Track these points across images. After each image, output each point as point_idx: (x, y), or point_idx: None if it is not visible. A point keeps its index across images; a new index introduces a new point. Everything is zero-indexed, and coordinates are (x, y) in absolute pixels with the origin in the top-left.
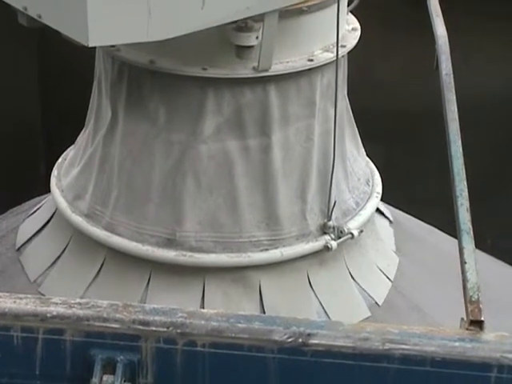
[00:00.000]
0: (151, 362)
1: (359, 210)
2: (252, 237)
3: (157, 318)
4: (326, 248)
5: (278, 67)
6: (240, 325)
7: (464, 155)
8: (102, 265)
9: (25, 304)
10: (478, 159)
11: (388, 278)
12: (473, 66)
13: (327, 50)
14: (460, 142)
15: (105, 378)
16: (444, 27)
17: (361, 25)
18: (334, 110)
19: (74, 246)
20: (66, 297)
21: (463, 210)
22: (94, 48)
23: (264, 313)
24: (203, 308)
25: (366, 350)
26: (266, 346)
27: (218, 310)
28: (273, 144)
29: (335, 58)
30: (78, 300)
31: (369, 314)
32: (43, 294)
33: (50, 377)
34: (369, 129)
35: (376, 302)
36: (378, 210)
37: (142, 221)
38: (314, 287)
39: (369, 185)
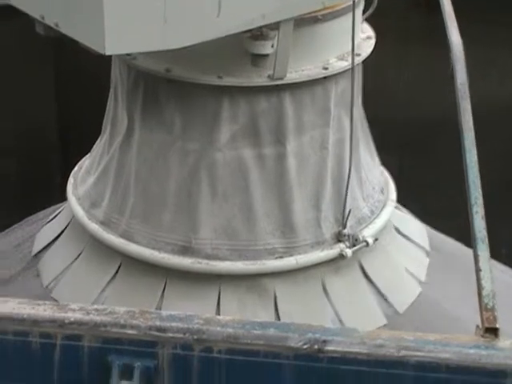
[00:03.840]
0: (168, 367)
1: (374, 218)
2: (267, 244)
3: (173, 324)
4: (341, 256)
5: (292, 75)
6: (256, 331)
7: (479, 164)
8: (116, 272)
9: (43, 310)
10: (494, 168)
11: (419, 280)
12: (487, 75)
13: (342, 59)
14: (475, 150)
15: (122, 383)
16: (459, 36)
17: (375, 33)
18: (348, 118)
19: (88, 253)
20: (77, 303)
21: (478, 218)
22: (110, 56)
23: (279, 320)
24: (219, 315)
25: (381, 357)
26: (281, 353)
27: (233, 317)
28: (287, 152)
29: (350, 67)
30: (95, 306)
31: (385, 322)
32: (56, 300)
33: (67, 382)
34: (382, 138)
35: (396, 310)
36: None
37: (158, 228)
38: (328, 295)
39: (383, 193)
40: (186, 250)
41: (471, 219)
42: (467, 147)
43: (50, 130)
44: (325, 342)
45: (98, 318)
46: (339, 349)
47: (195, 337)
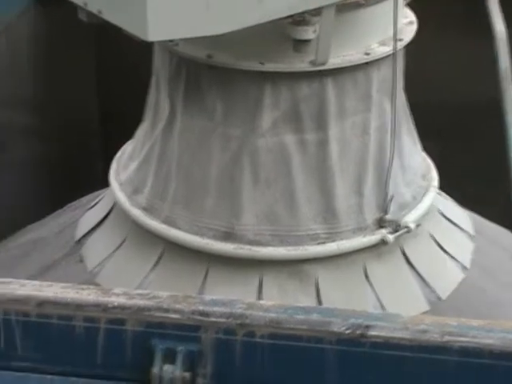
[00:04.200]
0: (211, 352)
1: (416, 204)
2: (309, 230)
3: (216, 308)
4: (383, 242)
5: (334, 61)
6: (298, 316)
7: None
8: (159, 258)
9: (87, 295)
10: None
11: (463, 266)
12: None
13: (384, 44)
14: None
15: (165, 367)
16: (503, 22)
17: (417, 19)
18: (390, 104)
19: (131, 239)
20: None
21: None
22: (152, 43)
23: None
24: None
25: (424, 342)
26: (324, 338)
27: (276, 302)
28: (329, 138)
29: (392, 52)
30: (138, 291)
31: (427, 308)
32: (99, 285)
33: (111, 366)
34: (423, 125)
35: (439, 297)
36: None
37: (200, 214)
38: (370, 281)
39: (425, 179)
40: (228, 236)
41: None
42: (510, 131)
43: (91, 116)
44: (367, 327)
45: (141, 303)
46: (382, 334)
47: (238, 321)
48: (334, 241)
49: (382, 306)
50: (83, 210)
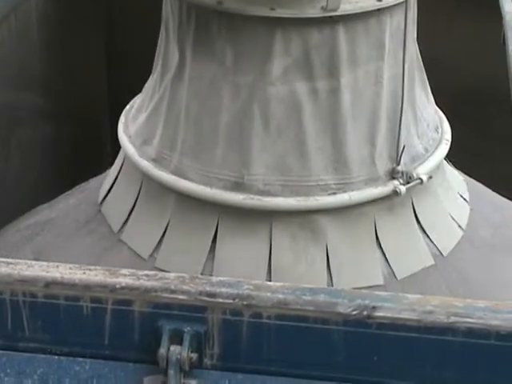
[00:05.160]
0: (217, 333)
1: (428, 156)
2: (320, 180)
3: (223, 289)
4: (395, 193)
5: (346, 7)
6: (305, 297)
7: None
8: (173, 210)
9: (94, 275)
10: None
11: (460, 226)
12: None
13: None
14: None
15: (172, 348)
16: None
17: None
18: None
19: (144, 193)
20: (146, 245)
21: None
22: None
23: (328, 257)
24: (271, 252)
25: (430, 323)
26: (330, 319)
27: (283, 283)
28: (341, 86)
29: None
30: (145, 272)
31: (432, 263)
32: (125, 243)
33: (118, 346)
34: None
35: (440, 252)
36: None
37: (210, 164)
38: (378, 233)
39: (438, 132)
40: (238, 186)
41: None
42: None
43: (100, 98)
44: (374, 308)
45: (148, 284)
46: (388, 315)
47: (245, 302)
48: (345, 191)
49: (386, 259)
50: (91, 191)
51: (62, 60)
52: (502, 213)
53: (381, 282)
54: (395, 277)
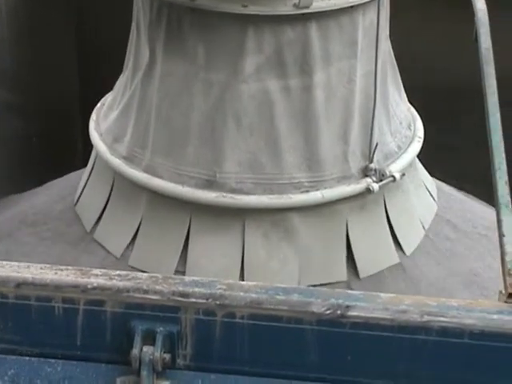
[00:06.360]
0: (190, 333)
1: (401, 154)
2: (293, 178)
3: (196, 289)
4: (368, 190)
5: (319, 4)
6: (279, 297)
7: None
8: (145, 209)
9: (66, 275)
10: None
11: (423, 226)
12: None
13: None
14: (499, 115)
15: (145, 348)
16: (483, 1)
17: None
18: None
19: (117, 192)
20: (118, 243)
21: (502, 184)
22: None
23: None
24: (244, 250)
25: (404, 322)
26: (304, 318)
27: (256, 283)
28: (314, 84)
29: None
30: (118, 272)
31: (398, 261)
32: (99, 243)
33: (90, 347)
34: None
35: (404, 252)
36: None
37: (181, 162)
38: (349, 232)
39: (410, 129)
40: (210, 184)
41: (494, 185)
42: (491, 112)
43: (72, 93)
44: (348, 307)
45: (120, 284)
46: (362, 314)
47: (218, 302)
48: (318, 189)
49: (353, 257)
50: (65, 189)
51: (32, 55)
52: (465, 212)
53: (344, 278)
54: (358, 275)
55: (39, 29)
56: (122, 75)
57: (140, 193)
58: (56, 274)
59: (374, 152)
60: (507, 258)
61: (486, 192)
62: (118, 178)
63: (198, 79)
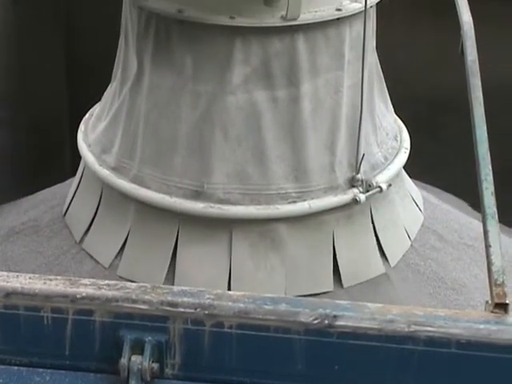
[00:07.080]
0: (179, 342)
1: (388, 165)
2: (280, 189)
3: (185, 299)
4: (355, 201)
5: (306, 16)
6: (267, 307)
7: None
8: (133, 219)
9: (55, 285)
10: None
11: (409, 237)
12: (498, 53)
13: (356, 1)
14: (485, 127)
15: (133, 358)
16: (469, 13)
17: (386, 9)
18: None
19: (105, 202)
20: (107, 254)
21: (488, 194)
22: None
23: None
24: (231, 260)
25: (391, 332)
26: (292, 328)
27: (244, 293)
28: (302, 95)
29: (363, 9)
30: (106, 282)
31: (383, 271)
32: (88, 253)
33: (79, 357)
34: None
35: (388, 262)
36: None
37: (169, 173)
38: (335, 243)
39: (397, 140)
40: (198, 195)
41: (481, 195)
42: (477, 123)
43: (60, 106)
44: (335, 317)
45: (109, 293)
46: (349, 324)
47: (206, 312)
48: (305, 200)
49: (338, 270)
50: (54, 199)
51: (21, 67)
52: (451, 222)
53: (331, 288)
54: (342, 285)
55: (28, 41)
56: (110, 86)
57: (128, 203)
58: (45, 283)
59: (361, 163)
60: (493, 269)
61: (473, 202)
62: (106, 188)
63: (186, 90)
